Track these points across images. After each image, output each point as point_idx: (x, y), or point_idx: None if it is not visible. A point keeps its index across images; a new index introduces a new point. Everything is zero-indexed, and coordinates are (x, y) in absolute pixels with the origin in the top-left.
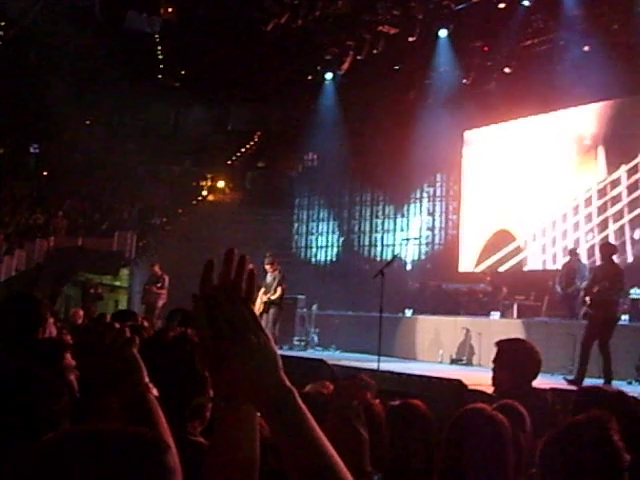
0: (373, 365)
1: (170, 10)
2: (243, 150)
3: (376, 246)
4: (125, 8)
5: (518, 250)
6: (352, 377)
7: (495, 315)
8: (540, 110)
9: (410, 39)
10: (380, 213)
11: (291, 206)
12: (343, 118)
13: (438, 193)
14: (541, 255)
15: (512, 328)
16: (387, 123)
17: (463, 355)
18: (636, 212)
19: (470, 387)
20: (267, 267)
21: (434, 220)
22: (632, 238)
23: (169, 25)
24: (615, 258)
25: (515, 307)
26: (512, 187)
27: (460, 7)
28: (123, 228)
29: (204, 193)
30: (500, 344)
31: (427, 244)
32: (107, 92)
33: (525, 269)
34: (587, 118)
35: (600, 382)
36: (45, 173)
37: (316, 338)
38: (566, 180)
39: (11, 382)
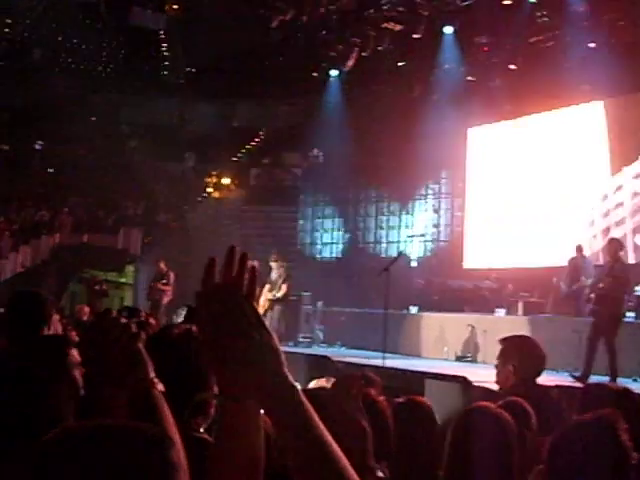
0: (378, 362)
1: (175, 6)
2: (248, 147)
3: (381, 243)
4: (130, 4)
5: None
6: (351, 373)
7: (500, 312)
8: (545, 107)
9: (415, 36)
10: (385, 210)
11: (296, 203)
12: (348, 115)
13: (443, 190)
14: (546, 251)
15: (517, 325)
16: (392, 120)
17: (468, 352)
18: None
19: (475, 384)
20: (272, 264)
21: (439, 217)
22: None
23: (174, 21)
24: (621, 254)
25: (520, 304)
26: (517, 184)
27: (465, 4)
28: (128, 225)
29: (209, 190)
30: (503, 341)
31: (432, 241)
32: (112, 89)
33: (530, 266)
34: (592, 115)
35: (606, 379)
36: (50, 170)
37: (321, 335)
38: (571, 177)
39: (11, 382)
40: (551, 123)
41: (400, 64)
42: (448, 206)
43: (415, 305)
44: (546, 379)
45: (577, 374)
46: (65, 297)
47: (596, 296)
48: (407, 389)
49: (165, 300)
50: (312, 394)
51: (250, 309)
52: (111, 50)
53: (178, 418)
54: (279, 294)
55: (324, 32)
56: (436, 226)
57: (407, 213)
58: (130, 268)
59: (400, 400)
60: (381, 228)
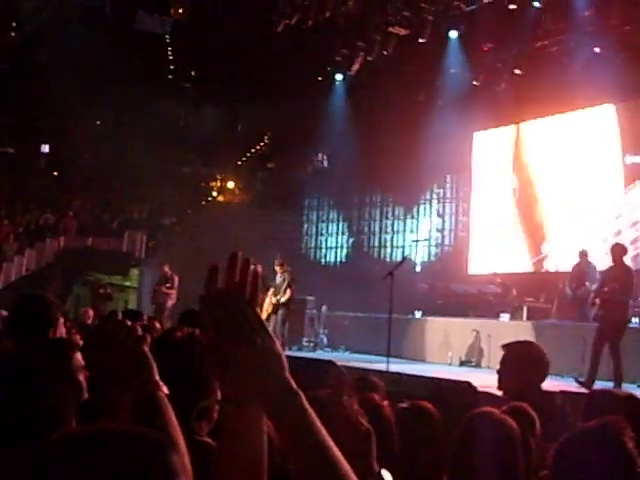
0: (382, 366)
1: (180, 10)
2: (253, 151)
3: (386, 247)
4: (136, 8)
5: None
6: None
7: (505, 317)
8: (550, 112)
9: (420, 40)
10: (390, 214)
11: (301, 207)
12: (353, 119)
13: (448, 194)
14: (552, 257)
15: (522, 330)
16: (397, 124)
17: (472, 357)
18: None
19: (479, 389)
20: (277, 268)
21: (444, 221)
22: None
23: (179, 25)
24: (626, 259)
25: (525, 309)
26: (523, 188)
27: (470, 8)
28: (133, 228)
29: (214, 194)
30: (506, 348)
31: (437, 245)
32: (117, 92)
33: (534, 271)
34: (599, 120)
35: (610, 385)
36: (55, 173)
37: (325, 339)
38: (578, 181)
39: (11, 382)
40: (557, 127)
41: (405, 68)
42: (453, 211)
43: (419, 310)
44: (551, 384)
45: (582, 379)
46: (69, 300)
47: (601, 301)
48: (411, 394)
49: (169, 304)
50: (317, 400)
51: (253, 314)
52: (117, 54)
53: (182, 422)
54: (283, 298)
55: (329, 36)
56: (441, 231)
57: (412, 217)
58: (134, 271)
59: (404, 405)
60: (386, 232)
